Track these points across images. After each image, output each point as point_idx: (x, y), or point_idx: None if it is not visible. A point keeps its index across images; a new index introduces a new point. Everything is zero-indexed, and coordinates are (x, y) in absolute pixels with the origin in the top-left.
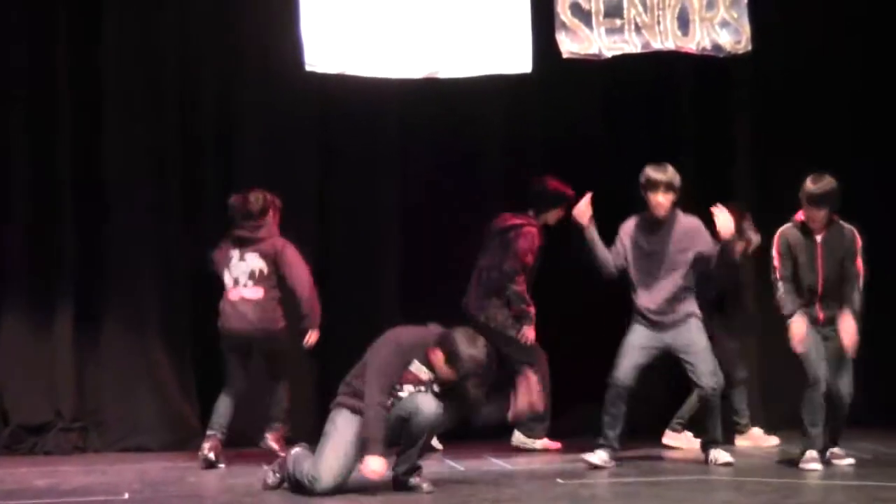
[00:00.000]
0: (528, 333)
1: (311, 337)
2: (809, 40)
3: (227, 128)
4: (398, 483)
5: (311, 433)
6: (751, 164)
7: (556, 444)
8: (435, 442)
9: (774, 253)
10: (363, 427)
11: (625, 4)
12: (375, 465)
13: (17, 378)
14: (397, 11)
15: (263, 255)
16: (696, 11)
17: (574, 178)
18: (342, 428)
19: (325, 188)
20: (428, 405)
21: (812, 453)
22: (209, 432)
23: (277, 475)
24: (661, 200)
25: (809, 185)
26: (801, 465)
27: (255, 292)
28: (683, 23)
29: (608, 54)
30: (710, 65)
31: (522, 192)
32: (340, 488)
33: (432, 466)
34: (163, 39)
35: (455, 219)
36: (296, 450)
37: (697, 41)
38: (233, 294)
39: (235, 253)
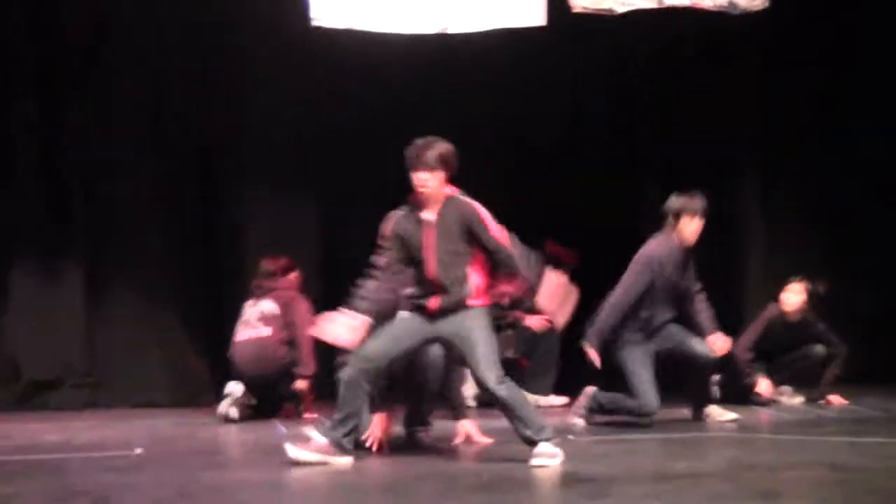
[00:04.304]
0: (530, 323)
1: (300, 384)
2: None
3: (235, 86)
4: (408, 438)
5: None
6: (761, 126)
7: (563, 400)
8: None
9: None
10: None
11: None
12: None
13: (28, 335)
14: None
15: (276, 299)
16: None
17: (579, 138)
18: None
19: (330, 147)
20: (431, 350)
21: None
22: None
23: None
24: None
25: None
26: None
27: (264, 331)
28: None
29: (621, 10)
30: (723, 23)
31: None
32: None
33: (443, 423)
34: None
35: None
36: None
37: None
38: (241, 335)
39: (251, 301)
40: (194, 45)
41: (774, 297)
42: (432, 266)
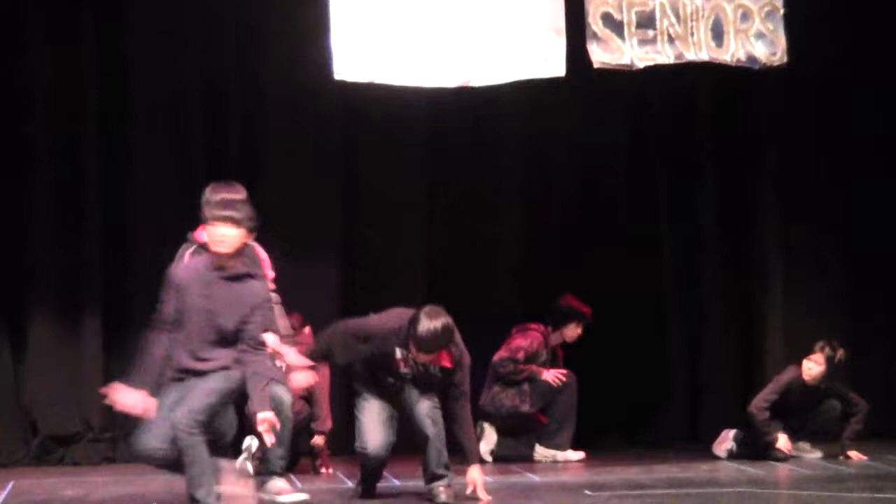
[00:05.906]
0: (546, 377)
1: (317, 439)
2: (844, 53)
3: (253, 139)
4: (429, 494)
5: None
6: (776, 177)
7: (581, 455)
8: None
9: None
10: None
11: (657, 15)
12: None
13: (46, 389)
14: (429, 19)
15: None
16: (730, 23)
17: (598, 190)
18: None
19: (351, 199)
20: (417, 401)
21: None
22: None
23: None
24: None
25: None
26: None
27: None
28: (717, 34)
29: (640, 65)
30: (741, 77)
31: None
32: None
33: (459, 477)
34: (189, 48)
35: (483, 231)
36: None
37: (732, 52)
38: None
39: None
40: (214, 96)
41: (795, 359)
42: None
